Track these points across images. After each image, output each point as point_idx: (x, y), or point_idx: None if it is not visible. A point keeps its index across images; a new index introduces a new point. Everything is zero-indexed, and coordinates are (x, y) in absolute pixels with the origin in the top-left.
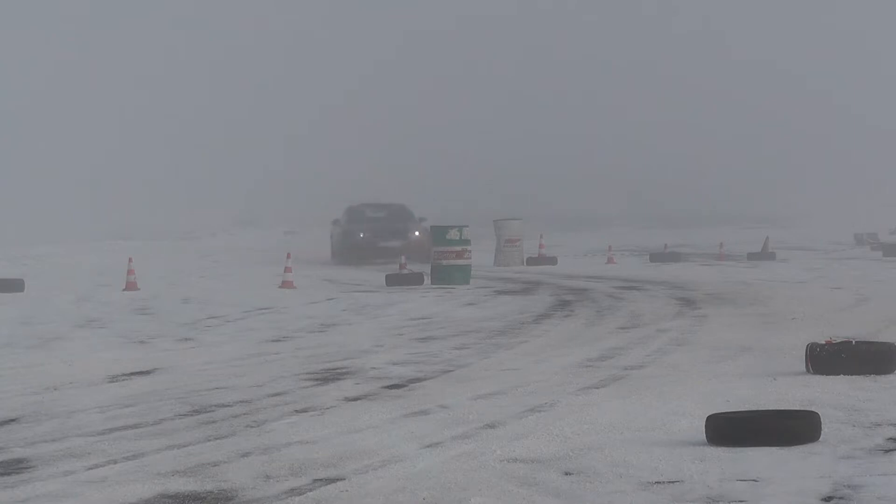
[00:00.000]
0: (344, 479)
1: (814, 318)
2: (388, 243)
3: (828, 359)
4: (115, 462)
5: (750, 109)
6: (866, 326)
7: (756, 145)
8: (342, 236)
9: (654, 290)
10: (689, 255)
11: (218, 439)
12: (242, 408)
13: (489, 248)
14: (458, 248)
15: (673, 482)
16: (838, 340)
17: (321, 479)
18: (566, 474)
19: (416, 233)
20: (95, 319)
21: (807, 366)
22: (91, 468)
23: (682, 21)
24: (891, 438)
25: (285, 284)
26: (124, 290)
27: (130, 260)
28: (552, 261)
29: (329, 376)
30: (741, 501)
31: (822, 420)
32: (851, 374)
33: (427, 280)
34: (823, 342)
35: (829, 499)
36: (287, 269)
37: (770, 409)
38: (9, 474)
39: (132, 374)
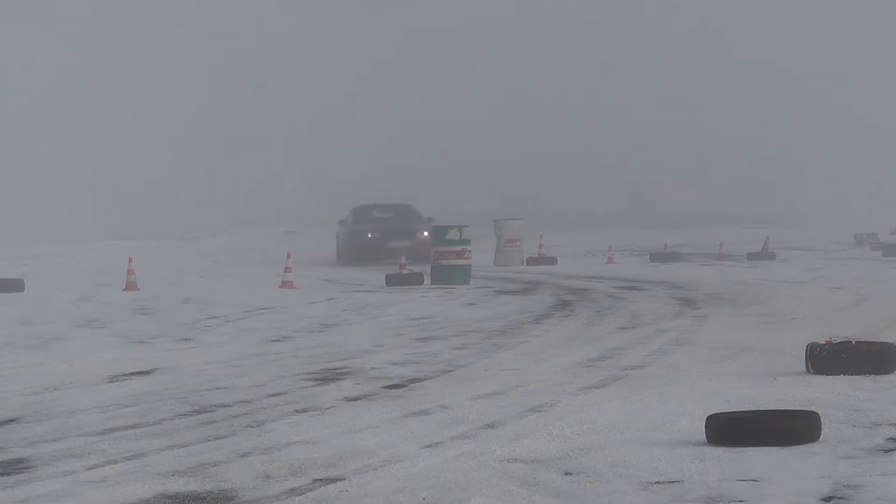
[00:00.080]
0: (344, 479)
1: (814, 318)
2: (397, 243)
3: (828, 359)
4: (115, 462)
5: (750, 109)
6: (866, 326)
7: (756, 145)
8: (349, 236)
9: (654, 290)
10: (689, 255)
11: (218, 439)
12: (242, 408)
13: (489, 248)
14: (458, 248)
15: (673, 482)
16: (838, 340)
17: (321, 479)
18: (566, 474)
19: (425, 233)
20: (95, 319)
21: (807, 366)
22: (91, 468)
23: (682, 21)
24: (891, 438)
25: (285, 284)
26: (124, 290)
27: (130, 260)
28: (552, 261)
29: (329, 376)
30: (741, 501)
31: (822, 420)
32: (851, 374)
33: (427, 280)
34: (823, 342)
35: (829, 499)
36: (287, 269)
37: (770, 409)
38: (9, 474)
39: (132, 374)
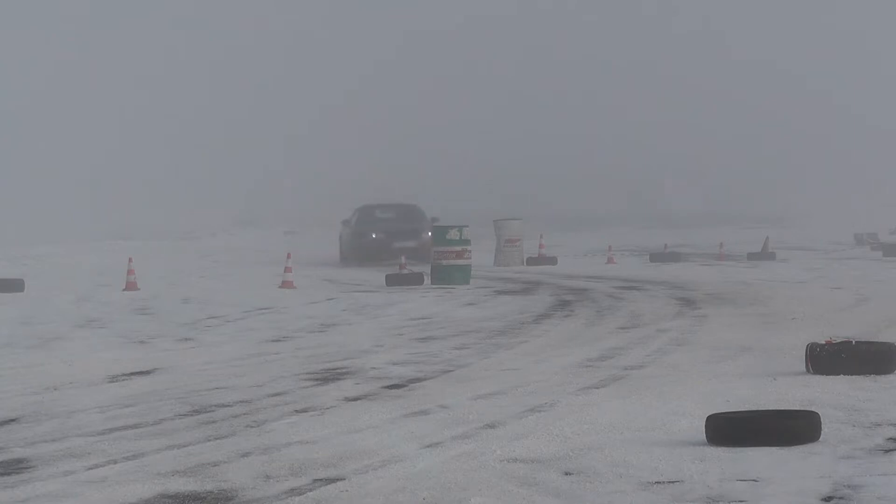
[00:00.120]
0: (344, 479)
1: (814, 318)
2: (402, 244)
3: (828, 359)
4: (115, 462)
5: (750, 109)
6: (866, 326)
7: (756, 145)
8: (353, 237)
9: (654, 290)
10: (689, 255)
11: (218, 439)
12: (242, 408)
13: (489, 248)
14: (458, 248)
15: (673, 482)
16: (838, 340)
17: (321, 479)
18: (566, 474)
19: (430, 233)
20: (95, 319)
21: (807, 366)
22: (91, 468)
23: (682, 21)
24: (891, 438)
25: (285, 284)
26: (124, 290)
27: (130, 260)
28: (552, 261)
29: (329, 376)
30: (741, 501)
31: (822, 420)
32: (851, 374)
33: (427, 280)
34: (823, 342)
35: (829, 499)
36: (287, 269)
37: (770, 409)
38: (9, 474)
39: (132, 374)
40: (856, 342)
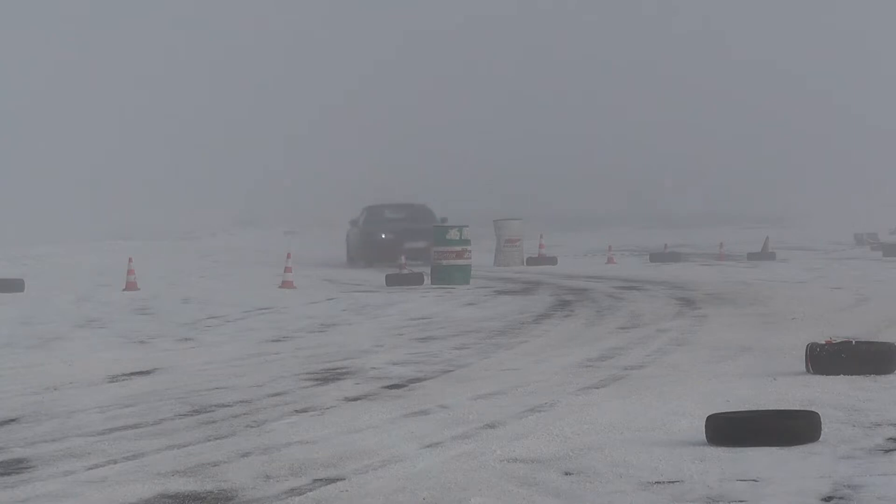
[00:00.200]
0: (344, 479)
1: (814, 318)
2: (413, 244)
3: (828, 359)
4: (115, 462)
5: (750, 109)
6: (866, 326)
7: (756, 145)
8: (362, 237)
9: (654, 290)
10: (689, 255)
11: (218, 439)
12: (242, 408)
13: (489, 248)
14: (458, 248)
15: (673, 482)
16: (838, 340)
17: (321, 479)
18: (566, 474)
19: None
20: (95, 319)
21: (807, 366)
22: (91, 468)
23: (682, 21)
24: (891, 438)
25: (285, 284)
26: (124, 290)
27: (130, 260)
28: (552, 261)
29: (329, 376)
30: (741, 501)
31: (822, 420)
32: (851, 374)
33: (427, 280)
34: (823, 342)
35: (829, 499)
36: (287, 269)
37: (770, 409)
38: (9, 474)
39: (132, 374)
40: (856, 342)
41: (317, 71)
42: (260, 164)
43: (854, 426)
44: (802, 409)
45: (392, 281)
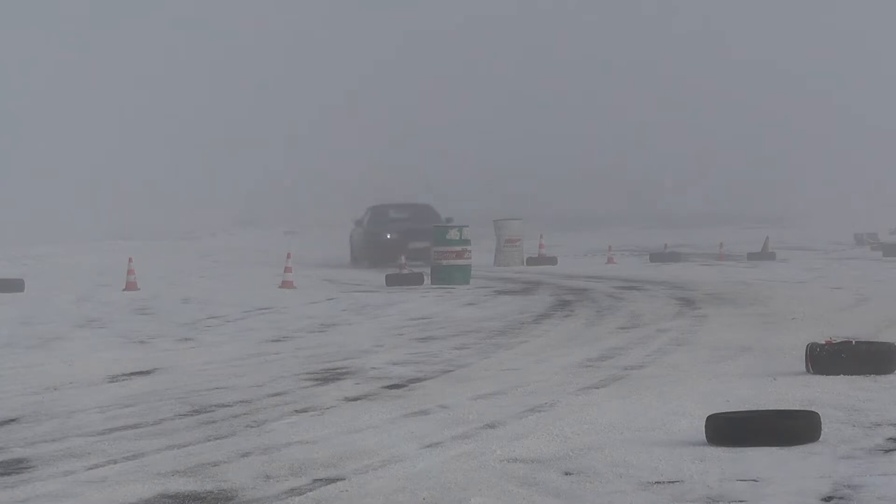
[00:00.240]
0: (344, 479)
1: (814, 318)
2: (418, 244)
3: (828, 359)
4: (115, 462)
5: (750, 109)
6: (866, 326)
7: (756, 145)
8: (366, 237)
9: (654, 290)
10: (689, 255)
11: (218, 439)
12: (242, 408)
13: (489, 248)
14: (458, 248)
15: (673, 482)
16: (838, 340)
17: (321, 479)
18: (566, 474)
19: None
20: (95, 319)
21: (807, 366)
22: (91, 468)
23: (682, 21)
24: (891, 438)
25: (285, 284)
26: (124, 290)
27: (130, 260)
28: (552, 261)
29: (329, 376)
30: (741, 501)
31: (822, 420)
32: (851, 374)
33: (427, 280)
34: (823, 342)
35: (829, 499)
36: (287, 269)
37: (770, 409)
38: (9, 474)
39: (132, 374)
40: (856, 342)
41: (317, 71)
42: (260, 164)
43: (854, 426)
44: (802, 409)
45: (392, 281)
